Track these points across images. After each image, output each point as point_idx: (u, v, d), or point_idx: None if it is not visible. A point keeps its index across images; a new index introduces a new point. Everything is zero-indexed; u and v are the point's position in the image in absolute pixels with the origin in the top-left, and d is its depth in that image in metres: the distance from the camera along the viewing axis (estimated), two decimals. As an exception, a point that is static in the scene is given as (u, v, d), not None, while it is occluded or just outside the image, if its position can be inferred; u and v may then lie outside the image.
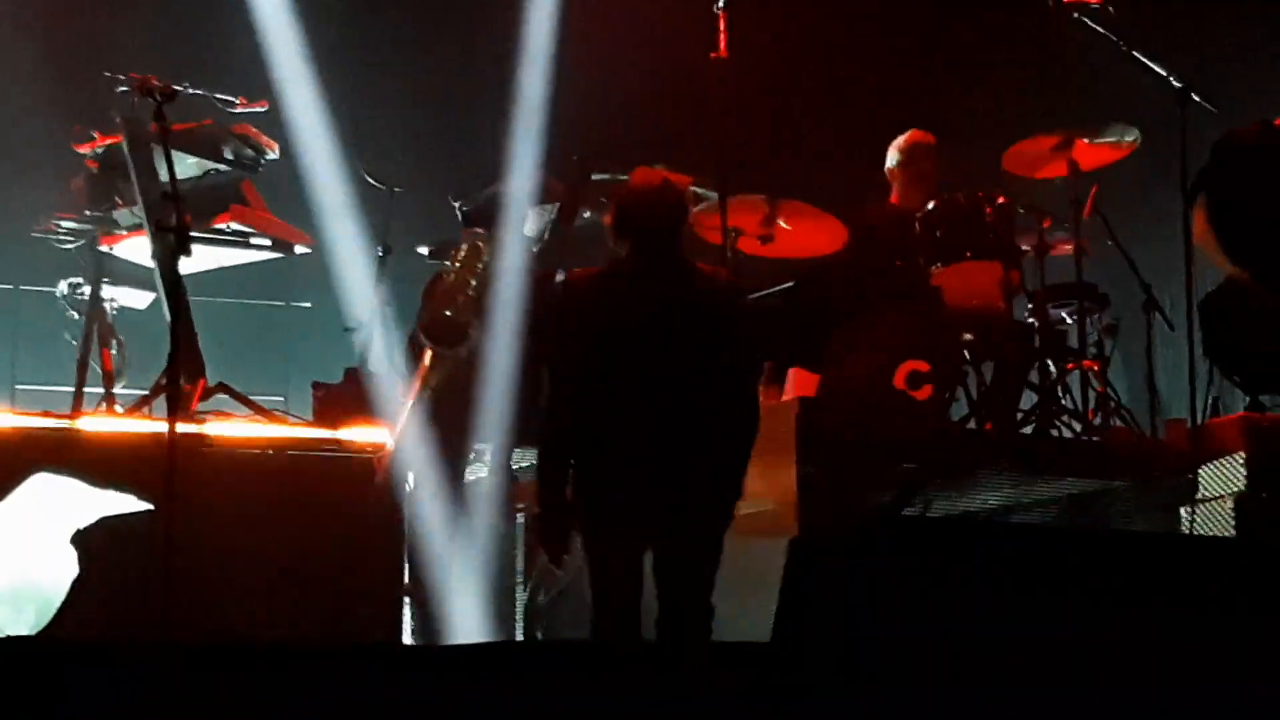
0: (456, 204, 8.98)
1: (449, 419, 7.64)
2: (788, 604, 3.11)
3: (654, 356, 5.86)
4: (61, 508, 6.92)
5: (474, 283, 7.60)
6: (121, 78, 7.66)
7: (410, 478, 7.51)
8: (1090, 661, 3.66)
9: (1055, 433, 7.96)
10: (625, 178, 8.85)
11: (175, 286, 5.86)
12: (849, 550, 3.12)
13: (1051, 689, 3.48)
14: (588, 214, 8.96)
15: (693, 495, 5.90)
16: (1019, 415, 8.00)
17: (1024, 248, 8.22)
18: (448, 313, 7.45)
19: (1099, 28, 8.20)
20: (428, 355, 7.55)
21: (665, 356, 5.86)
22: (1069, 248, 8.30)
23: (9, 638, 3.79)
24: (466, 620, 8.06)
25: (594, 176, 9.02)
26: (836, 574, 3.09)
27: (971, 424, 7.91)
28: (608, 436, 5.88)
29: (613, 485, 5.91)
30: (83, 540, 6.88)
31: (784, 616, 3.12)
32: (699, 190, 8.85)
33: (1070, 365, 8.13)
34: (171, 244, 5.82)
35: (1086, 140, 8.29)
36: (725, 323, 5.97)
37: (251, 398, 7.90)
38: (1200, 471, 7.30)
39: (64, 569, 6.88)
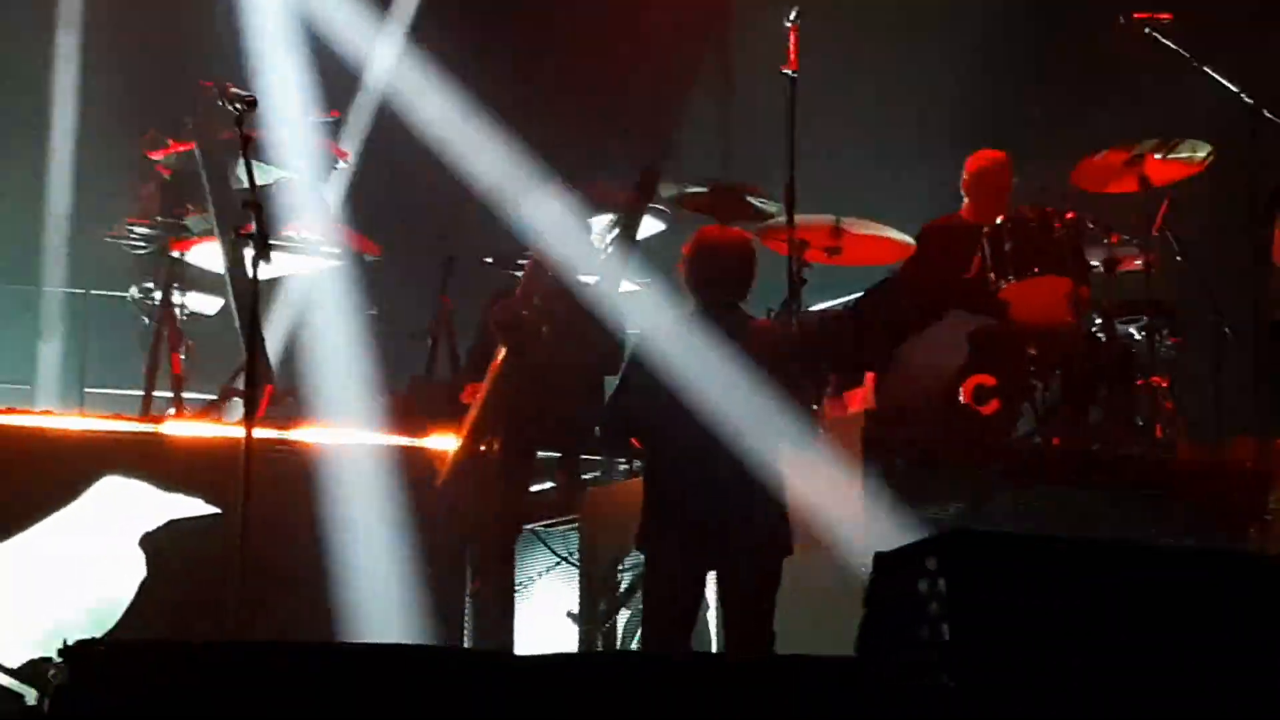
0: (518, 215, 9.01)
1: (514, 427, 7.67)
2: (874, 615, 3.12)
3: (715, 394, 6.20)
4: (130, 511, 6.98)
5: (537, 300, 7.70)
6: (204, 85, 7.73)
7: (473, 484, 7.54)
8: (1160, 675, 3.65)
9: (1122, 449, 7.90)
10: (695, 190, 8.88)
11: (251, 293, 5.89)
12: (934, 564, 3.13)
13: (1125, 699, 3.48)
14: (659, 225, 8.97)
15: (752, 521, 6.18)
16: (1086, 431, 7.95)
17: (1093, 263, 8.17)
18: (523, 311, 7.55)
19: (1170, 43, 8.16)
20: (497, 358, 7.59)
21: (725, 394, 6.19)
22: (1138, 263, 8.25)
23: (81, 640, 3.82)
24: (525, 625, 8.10)
25: (661, 188, 9.02)
26: (922, 587, 3.10)
27: (1038, 439, 7.87)
28: (670, 467, 6.24)
29: (677, 509, 6.20)
30: (151, 543, 6.94)
31: (869, 628, 3.13)
32: (765, 204, 8.86)
33: (1138, 381, 8.07)
34: (251, 250, 5.85)
35: (1157, 156, 8.24)
36: (774, 369, 6.32)
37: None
38: (1270, 490, 7.24)
39: (131, 571, 6.94)
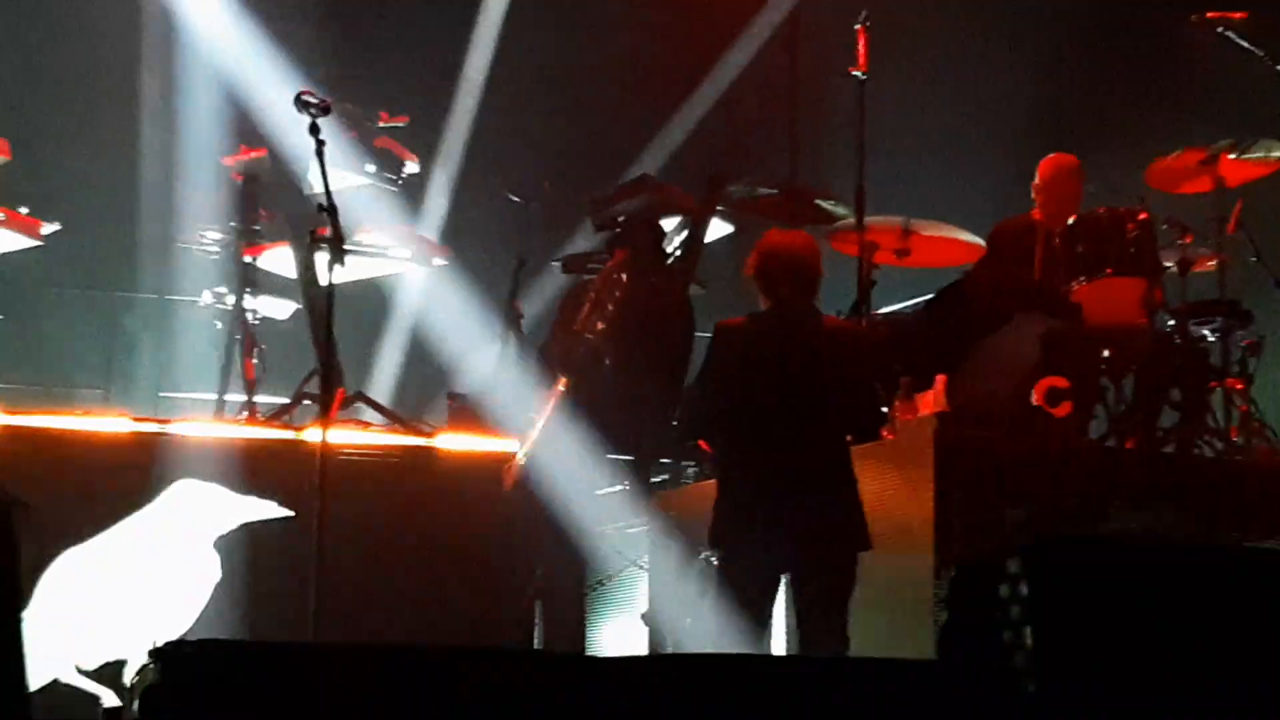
0: (589, 215, 9.05)
1: (583, 432, 7.69)
2: (954, 620, 3.12)
3: (787, 395, 6.27)
4: (205, 513, 7.03)
5: (611, 307, 7.70)
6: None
7: (541, 486, 7.56)
8: (1247, 678, 3.62)
9: (1197, 451, 7.84)
10: (764, 192, 8.88)
11: (326, 297, 5.92)
12: (1015, 567, 3.12)
13: (1211, 703, 3.46)
14: (726, 228, 8.98)
15: (828, 518, 6.20)
16: (1160, 433, 7.89)
17: (1166, 264, 8.12)
18: (581, 346, 7.58)
19: (1244, 41, 8.10)
20: (558, 387, 7.62)
21: (797, 396, 6.27)
22: (1212, 264, 8.19)
23: (171, 641, 3.86)
24: (598, 627, 8.12)
25: (729, 190, 9.02)
26: (1003, 591, 3.10)
27: (1111, 442, 7.82)
28: (745, 465, 6.26)
29: (749, 511, 6.22)
30: (225, 546, 6.99)
31: (950, 632, 3.13)
32: (834, 206, 8.85)
33: (1213, 383, 8.00)
34: (325, 254, 5.88)
35: (1232, 156, 8.17)
36: (849, 366, 6.41)
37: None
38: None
39: (207, 574, 6.99)
